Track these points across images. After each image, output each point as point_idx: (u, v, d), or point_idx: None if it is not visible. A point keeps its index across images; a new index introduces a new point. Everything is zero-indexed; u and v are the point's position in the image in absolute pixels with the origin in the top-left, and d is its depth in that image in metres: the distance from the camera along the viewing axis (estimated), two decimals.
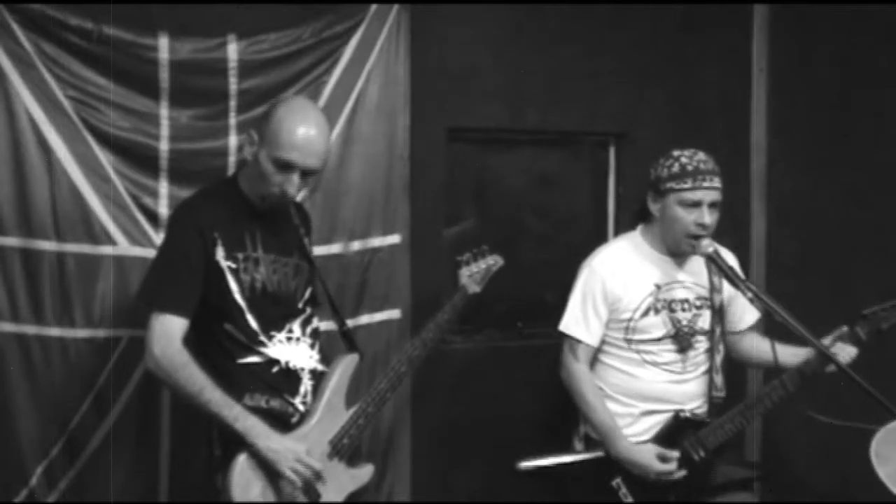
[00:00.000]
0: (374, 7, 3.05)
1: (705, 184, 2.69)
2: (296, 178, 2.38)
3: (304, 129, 2.37)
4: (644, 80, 3.54)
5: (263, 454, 2.33)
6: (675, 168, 2.70)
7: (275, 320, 2.48)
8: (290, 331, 2.51)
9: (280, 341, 2.48)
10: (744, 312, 2.90)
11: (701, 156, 2.73)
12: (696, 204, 2.69)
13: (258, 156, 2.40)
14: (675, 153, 2.75)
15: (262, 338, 2.44)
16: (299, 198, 2.80)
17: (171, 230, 2.49)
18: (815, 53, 3.51)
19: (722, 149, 2.83)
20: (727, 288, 2.79)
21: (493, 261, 2.85)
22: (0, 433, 2.72)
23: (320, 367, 2.55)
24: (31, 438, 2.74)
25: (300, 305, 2.56)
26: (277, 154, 2.36)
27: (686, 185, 2.68)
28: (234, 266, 2.41)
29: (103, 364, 2.79)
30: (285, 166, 2.37)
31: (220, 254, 2.40)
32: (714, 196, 2.71)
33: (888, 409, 2.34)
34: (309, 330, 2.56)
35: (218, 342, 2.42)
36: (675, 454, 2.71)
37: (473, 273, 2.79)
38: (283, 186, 2.38)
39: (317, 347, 2.57)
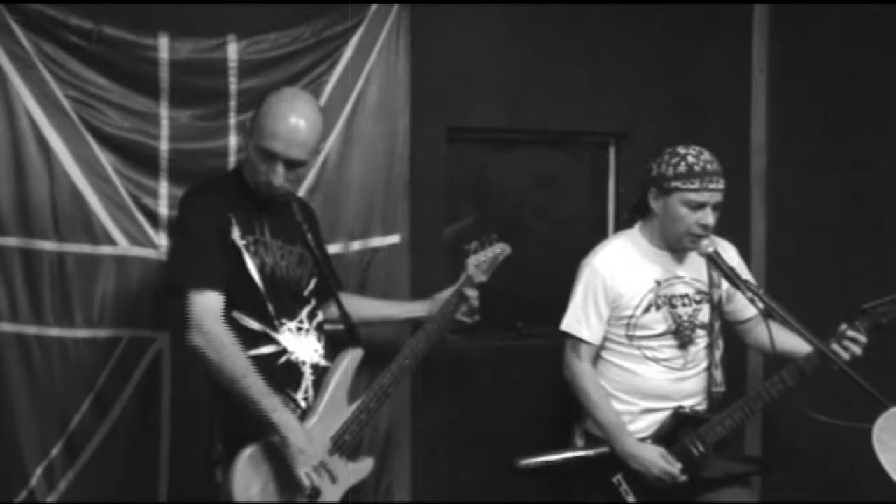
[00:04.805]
0: (374, 7, 3.05)
1: (711, 185, 2.68)
2: (280, 168, 2.37)
3: (289, 119, 2.36)
4: (644, 80, 3.54)
5: (290, 451, 2.30)
6: (682, 167, 2.69)
7: (287, 306, 2.48)
8: (301, 321, 2.50)
9: (290, 330, 2.47)
10: (746, 301, 2.87)
11: (706, 155, 2.72)
12: (701, 205, 2.68)
13: (248, 145, 2.41)
14: (682, 151, 2.73)
15: (276, 322, 2.44)
16: (301, 192, 2.80)
17: (185, 213, 2.45)
18: (815, 53, 3.51)
19: (722, 149, 2.82)
20: (726, 282, 2.78)
21: (501, 249, 2.79)
22: (0, 433, 2.72)
23: (323, 363, 2.54)
24: (31, 438, 2.74)
25: (305, 294, 2.56)
26: (261, 143, 2.37)
27: (692, 186, 2.68)
28: (248, 246, 2.41)
29: (103, 364, 2.80)
30: (269, 156, 2.37)
31: (235, 233, 2.40)
32: (718, 197, 2.70)
33: (887, 408, 2.34)
34: (315, 322, 2.56)
35: None
36: (679, 465, 2.69)
37: (480, 262, 2.75)
38: (269, 176, 2.38)
39: (323, 341, 2.57)
